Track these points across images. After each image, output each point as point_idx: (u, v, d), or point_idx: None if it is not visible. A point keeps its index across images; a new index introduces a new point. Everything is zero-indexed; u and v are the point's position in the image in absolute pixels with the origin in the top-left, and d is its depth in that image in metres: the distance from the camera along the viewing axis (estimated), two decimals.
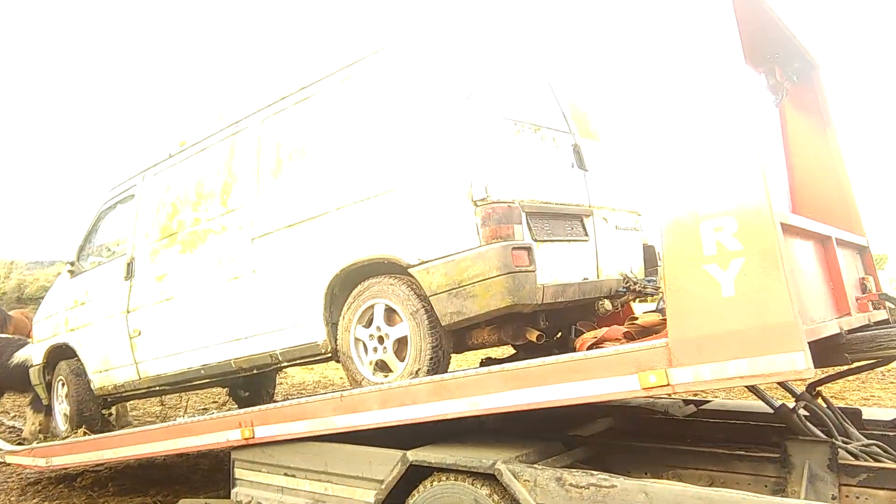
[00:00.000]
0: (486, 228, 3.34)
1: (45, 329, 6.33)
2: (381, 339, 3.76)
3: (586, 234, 3.89)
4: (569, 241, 3.74)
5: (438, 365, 3.58)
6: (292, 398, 8.00)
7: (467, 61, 3.60)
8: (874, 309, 3.69)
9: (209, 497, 4.59)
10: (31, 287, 17.80)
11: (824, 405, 3.68)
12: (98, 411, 5.98)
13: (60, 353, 6.13)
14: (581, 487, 2.76)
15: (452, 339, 3.70)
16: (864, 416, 3.87)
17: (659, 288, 4.04)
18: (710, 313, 2.52)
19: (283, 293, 4.19)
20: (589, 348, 3.16)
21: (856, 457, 3.22)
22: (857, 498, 3.03)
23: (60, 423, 6.25)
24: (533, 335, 3.61)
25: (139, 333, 5.22)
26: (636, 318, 3.53)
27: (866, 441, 3.36)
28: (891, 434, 3.68)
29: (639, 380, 2.67)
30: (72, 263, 6.05)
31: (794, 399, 3.70)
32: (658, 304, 4.36)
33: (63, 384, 6.12)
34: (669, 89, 2.74)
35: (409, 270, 3.60)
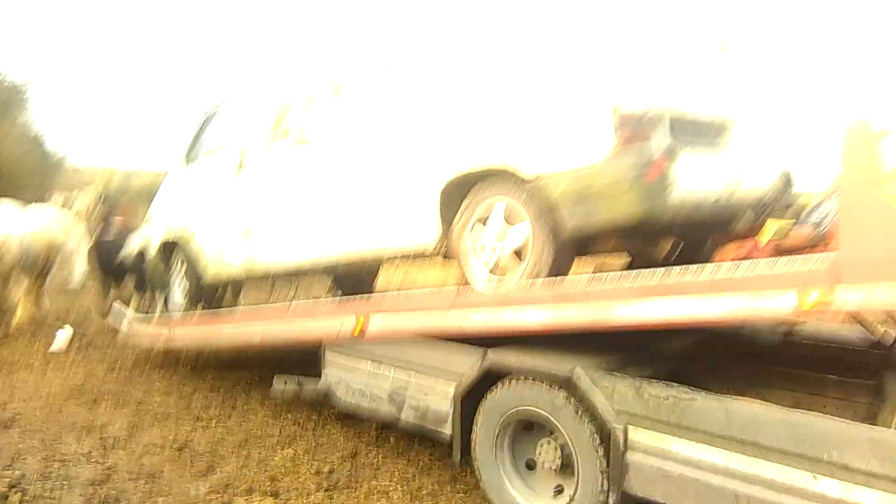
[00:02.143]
0: (623, 131, 3.09)
1: (163, 212, 6.57)
2: (499, 238, 3.63)
3: (729, 145, 3.56)
4: (711, 151, 3.43)
5: (560, 270, 3.45)
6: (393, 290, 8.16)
7: None
8: None
9: (301, 376, 4.80)
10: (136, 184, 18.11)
11: None
12: (214, 289, 6.25)
13: (179, 236, 6.38)
14: (660, 398, 2.72)
15: (577, 243, 3.53)
16: None
17: (804, 204, 3.70)
18: (886, 232, 2.26)
19: (398, 195, 4.11)
20: (733, 261, 2.93)
21: None
22: None
23: (179, 297, 6.59)
24: (664, 249, 3.39)
25: (250, 227, 5.29)
26: (784, 236, 3.24)
27: None
28: None
29: (798, 296, 2.45)
30: (186, 154, 6.17)
31: None
32: (801, 218, 4.00)
33: (182, 262, 6.41)
34: None
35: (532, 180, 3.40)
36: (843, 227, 2.39)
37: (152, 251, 6.80)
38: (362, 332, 4.16)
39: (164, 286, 6.68)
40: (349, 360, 4.36)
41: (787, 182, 4.15)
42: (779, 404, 3.08)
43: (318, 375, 4.59)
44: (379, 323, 4.07)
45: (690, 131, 3.35)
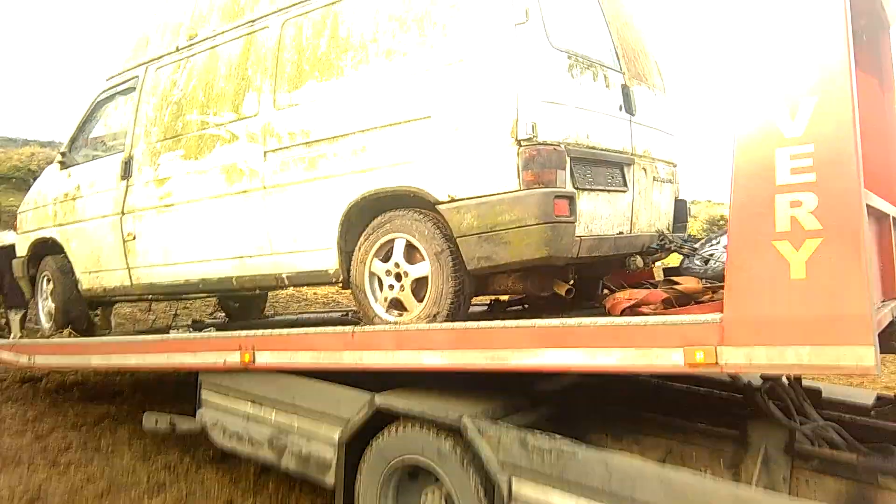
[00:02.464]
0: (527, 171, 3.09)
1: (31, 221, 6.02)
2: (398, 277, 3.55)
3: (625, 185, 3.66)
4: (609, 190, 3.50)
5: (458, 310, 3.41)
6: (280, 314, 7.88)
7: None
8: None
9: (174, 413, 4.51)
10: (1, 166, 16.79)
11: (786, 381, 3.56)
12: (85, 312, 5.78)
13: (46, 248, 5.85)
14: (543, 451, 2.75)
15: (475, 283, 3.50)
16: (823, 396, 3.78)
17: (696, 248, 3.85)
18: (774, 294, 2.34)
19: (295, 214, 3.94)
20: (623, 312, 2.98)
21: (812, 440, 3.20)
22: (808, 482, 3.05)
23: (44, 321, 6.03)
24: (562, 289, 3.43)
25: (133, 238, 4.96)
26: (676, 283, 3.34)
27: (823, 423, 3.31)
28: (846, 417, 3.63)
29: (684, 355, 2.51)
30: (63, 154, 5.70)
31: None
32: (682, 264, 4.18)
33: (48, 280, 5.87)
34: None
35: (438, 207, 3.36)
36: (732, 281, 2.44)
37: (17, 265, 6.21)
38: (247, 367, 3.95)
39: (24, 305, 6.11)
40: (227, 400, 4.13)
41: (683, 212, 4.32)
42: (653, 452, 3.26)
43: (193, 412, 4.32)
44: (266, 359, 3.88)
45: (591, 169, 3.39)
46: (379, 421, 3.30)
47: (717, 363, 2.44)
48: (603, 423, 3.48)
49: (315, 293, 10.53)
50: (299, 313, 7.61)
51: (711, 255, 3.99)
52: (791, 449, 3.10)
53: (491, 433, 2.90)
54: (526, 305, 4.37)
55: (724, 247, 4.00)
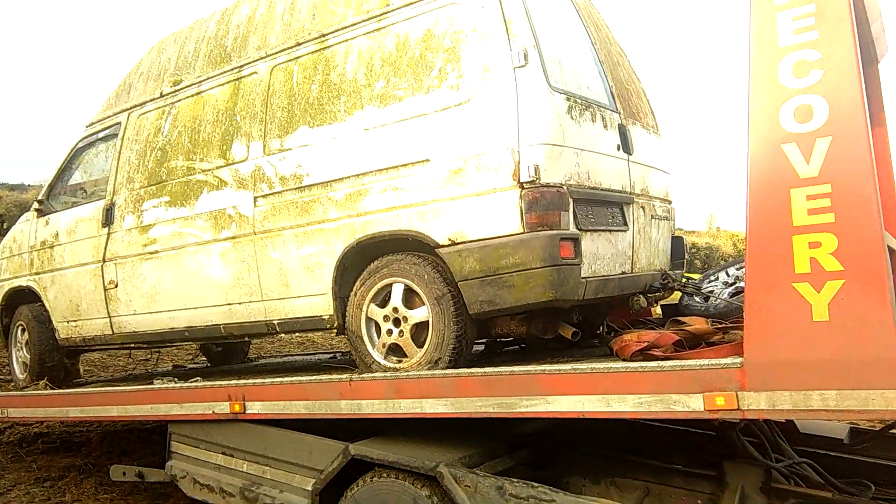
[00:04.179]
0: (531, 214, 3.03)
1: (6, 270, 5.81)
2: (397, 322, 3.44)
3: (626, 224, 3.62)
4: (610, 230, 3.46)
5: (461, 355, 3.31)
6: (265, 357, 7.68)
7: (522, 24, 3.22)
8: None
9: (143, 466, 4.38)
10: None
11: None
12: (62, 362, 5.55)
13: (21, 297, 5.64)
14: (521, 498, 2.76)
15: (476, 327, 3.41)
16: (801, 430, 3.81)
17: (699, 287, 3.81)
18: (796, 337, 2.28)
19: (288, 260, 3.83)
20: (634, 355, 2.90)
21: (787, 477, 3.19)
22: None
23: (18, 372, 5.78)
24: (567, 332, 3.35)
25: (115, 286, 4.80)
26: (683, 323, 3.28)
27: (798, 459, 3.30)
28: (821, 452, 3.64)
29: (704, 400, 2.43)
30: (40, 202, 5.53)
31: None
32: (681, 301, 4.14)
33: (23, 330, 5.65)
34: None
35: (438, 251, 3.28)
36: (752, 324, 2.38)
37: None
38: (237, 417, 3.79)
39: None
40: (197, 452, 4.02)
41: (681, 249, 4.29)
42: (630, 494, 3.26)
43: (162, 464, 4.19)
44: (258, 409, 3.73)
45: (593, 209, 3.35)
46: (354, 470, 3.24)
47: (738, 408, 2.37)
48: (580, 466, 3.46)
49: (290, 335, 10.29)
50: (283, 355, 7.41)
51: (711, 291, 3.96)
52: (767, 488, 3.07)
53: (468, 481, 2.88)
54: (523, 345, 4.28)
55: (724, 283, 3.99)
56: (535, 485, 2.79)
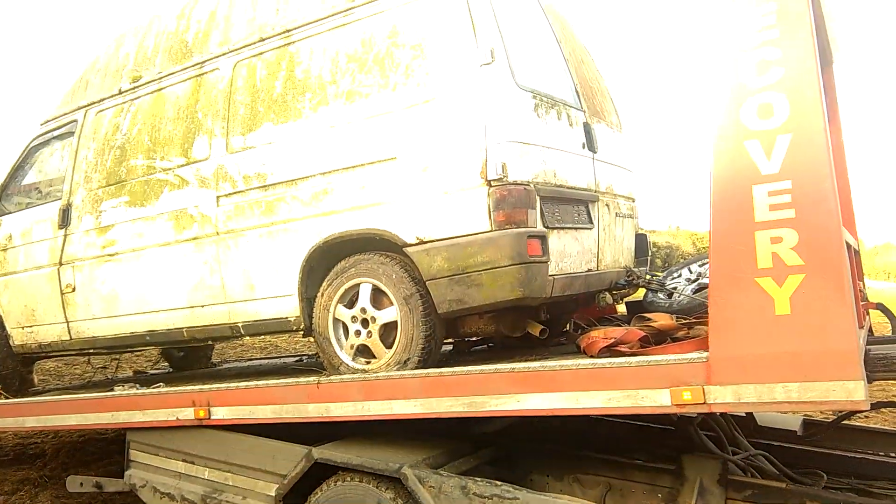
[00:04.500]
0: (498, 212, 3.03)
1: None
2: (365, 322, 3.41)
3: (591, 222, 3.65)
4: (576, 228, 3.48)
5: (430, 355, 3.29)
6: (230, 361, 7.55)
7: (488, 21, 3.22)
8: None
9: (101, 475, 4.31)
10: None
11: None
12: (17, 370, 5.35)
13: None
14: (484, 497, 2.79)
15: (445, 327, 3.40)
16: (759, 423, 3.90)
17: (663, 284, 3.86)
18: (760, 331, 2.32)
19: (252, 261, 3.76)
20: (601, 351, 2.92)
21: (744, 470, 3.27)
22: None
23: None
24: (536, 329, 3.36)
25: (73, 289, 4.65)
26: (648, 319, 3.32)
27: (754, 452, 3.38)
28: (775, 444, 3.74)
29: (671, 395, 2.46)
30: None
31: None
32: (645, 297, 4.19)
33: None
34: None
35: (406, 249, 3.26)
36: (716, 319, 2.41)
37: None
38: (201, 423, 3.71)
39: None
40: (157, 459, 3.95)
41: (644, 246, 4.34)
42: (593, 490, 3.32)
43: (121, 473, 4.10)
44: (223, 414, 3.66)
45: (559, 207, 3.36)
46: (317, 474, 3.23)
47: (704, 402, 2.41)
48: (544, 463, 3.50)
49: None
50: (248, 359, 7.29)
51: (675, 288, 4.01)
52: (724, 480, 3.15)
53: (431, 482, 2.90)
54: (491, 345, 4.28)
55: (687, 279, 4.05)
56: (499, 483, 2.81)
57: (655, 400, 2.50)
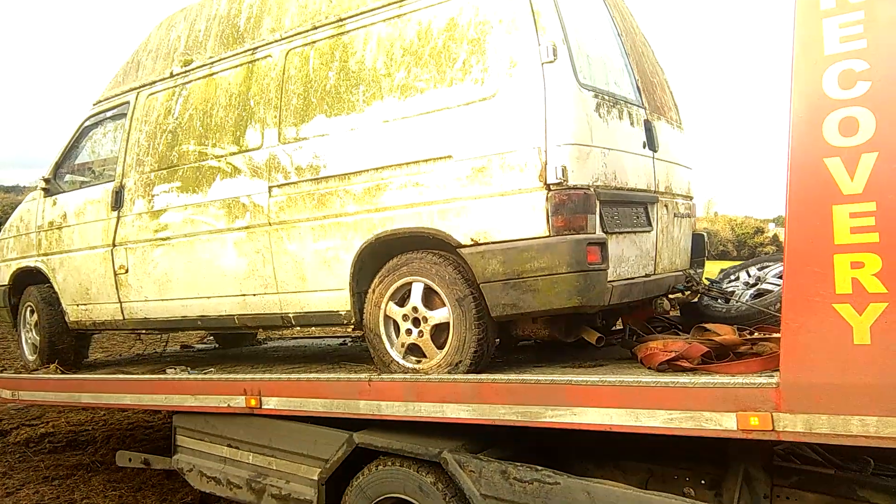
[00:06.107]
0: (557, 217, 2.94)
1: (13, 249, 5.74)
2: (416, 322, 3.38)
3: (649, 224, 3.54)
4: (635, 231, 3.38)
5: (482, 358, 3.25)
6: (274, 339, 7.64)
7: (551, 16, 3.09)
8: None
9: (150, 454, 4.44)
10: None
11: None
12: (72, 345, 5.51)
13: (29, 277, 5.58)
14: (525, 482, 2.79)
15: (497, 329, 3.35)
16: None
17: (723, 291, 3.75)
18: (836, 359, 2.23)
19: (304, 253, 3.76)
20: (660, 364, 2.84)
21: (785, 458, 3.16)
22: (788, 499, 3.01)
23: (27, 353, 5.76)
24: (592, 337, 3.29)
25: (126, 271, 4.73)
26: (707, 330, 3.23)
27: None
28: None
29: (737, 420, 2.39)
30: (47, 181, 5.43)
31: None
32: (701, 300, 4.07)
33: (32, 311, 5.60)
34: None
35: (459, 250, 3.21)
36: (789, 343, 2.32)
37: None
38: (252, 412, 3.77)
39: None
40: (202, 444, 4.07)
41: (701, 246, 4.21)
42: (634, 476, 3.24)
43: (168, 453, 4.24)
44: (274, 405, 3.71)
45: (619, 210, 3.27)
46: (358, 459, 3.30)
47: (773, 429, 2.33)
48: (584, 451, 3.42)
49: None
50: (292, 338, 7.38)
51: (732, 292, 3.89)
52: (770, 466, 3.06)
53: (472, 466, 2.92)
54: (538, 341, 4.23)
55: (745, 283, 3.92)
56: (539, 468, 2.80)
57: (720, 423, 2.43)
